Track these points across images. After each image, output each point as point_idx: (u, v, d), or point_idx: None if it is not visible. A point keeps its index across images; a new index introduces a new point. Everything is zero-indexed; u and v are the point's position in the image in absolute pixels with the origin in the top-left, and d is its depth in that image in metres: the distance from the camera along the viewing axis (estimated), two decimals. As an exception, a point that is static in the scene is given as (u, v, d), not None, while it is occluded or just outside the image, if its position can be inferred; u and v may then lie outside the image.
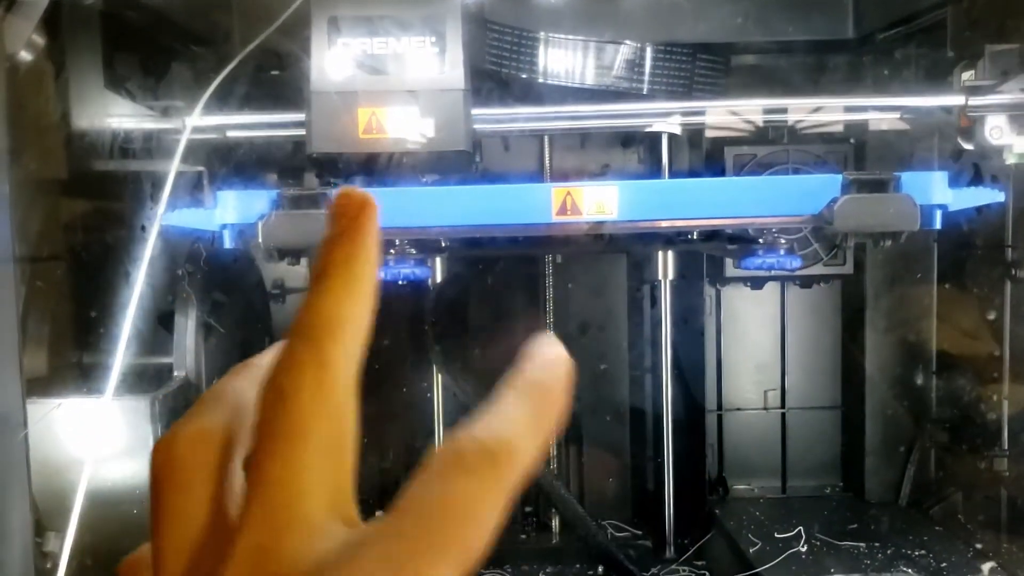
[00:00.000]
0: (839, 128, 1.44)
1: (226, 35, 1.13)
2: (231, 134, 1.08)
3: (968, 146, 1.06)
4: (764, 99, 1.12)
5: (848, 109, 1.12)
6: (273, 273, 1.47)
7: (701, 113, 1.18)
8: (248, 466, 0.27)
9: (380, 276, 1.03)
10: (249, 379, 0.31)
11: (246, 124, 1.06)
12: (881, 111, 1.07)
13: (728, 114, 1.23)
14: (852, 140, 1.39)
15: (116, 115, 1.05)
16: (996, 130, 1.02)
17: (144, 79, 1.14)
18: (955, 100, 1.04)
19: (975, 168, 1.14)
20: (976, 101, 1.03)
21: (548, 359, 0.31)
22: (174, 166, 0.97)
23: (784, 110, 1.26)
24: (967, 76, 1.07)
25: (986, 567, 1.22)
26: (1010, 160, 1.03)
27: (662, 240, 1.27)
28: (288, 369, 0.27)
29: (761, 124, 1.31)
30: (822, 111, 1.12)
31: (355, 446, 0.27)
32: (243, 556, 0.25)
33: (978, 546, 1.32)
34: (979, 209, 1.11)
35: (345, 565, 0.24)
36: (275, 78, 1.12)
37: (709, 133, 1.44)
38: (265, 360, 0.31)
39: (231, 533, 0.26)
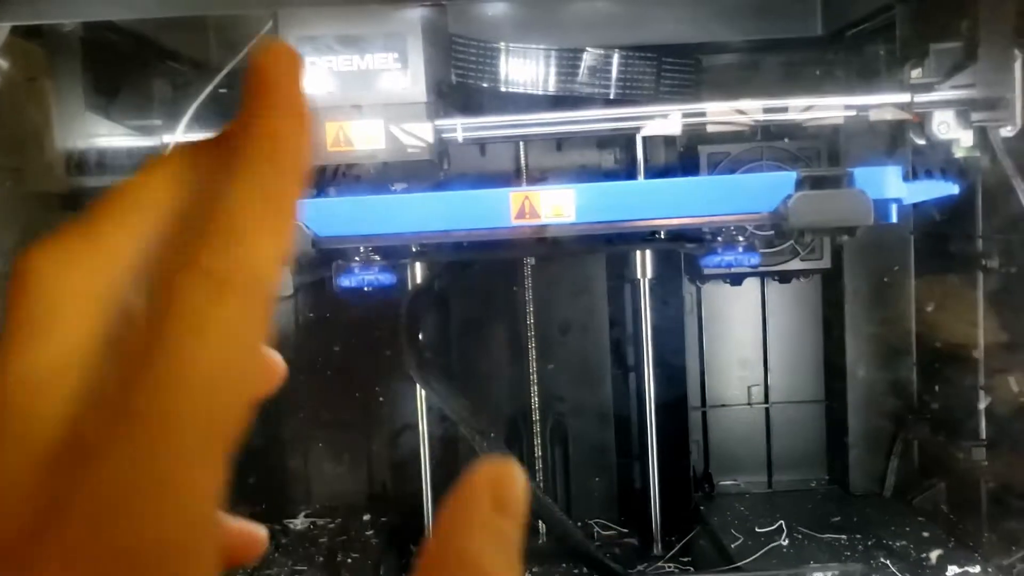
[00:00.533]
0: (813, 123, 1.45)
1: (202, 55, 1.16)
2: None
3: (919, 141, 1.09)
4: (730, 101, 1.13)
5: (807, 107, 1.13)
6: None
7: (671, 115, 1.19)
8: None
9: (346, 280, 1.06)
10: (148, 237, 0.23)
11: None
12: (835, 110, 1.08)
13: (696, 116, 1.24)
14: (821, 136, 1.39)
15: (97, 135, 1.08)
16: (943, 125, 1.05)
17: (124, 100, 1.17)
18: (902, 98, 1.07)
19: (913, 168, 1.15)
20: (922, 98, 1.06)
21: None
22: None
23: (755, 110, 1.27)
24: (915, 74, 1.09)
25: (933, 554, 1.23)
26: (959, 154, 1.06)
27: (625, 240, 1.28)
28: (189, 271, 0.21)
29: (733, 124, 1.32)
30: (790, 110, 1.14)
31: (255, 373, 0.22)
32: (83, 517, 0.19)
33: (953, 535, 1.33)
34: (945, 201, 1.13)
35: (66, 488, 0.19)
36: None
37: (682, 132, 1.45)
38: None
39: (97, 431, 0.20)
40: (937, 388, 1.44)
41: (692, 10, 1.38)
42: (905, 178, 0.98)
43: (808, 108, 1.05)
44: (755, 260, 1.04)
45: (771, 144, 1.42)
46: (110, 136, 1.06)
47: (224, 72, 1.00)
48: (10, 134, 1.01)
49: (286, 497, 1.56)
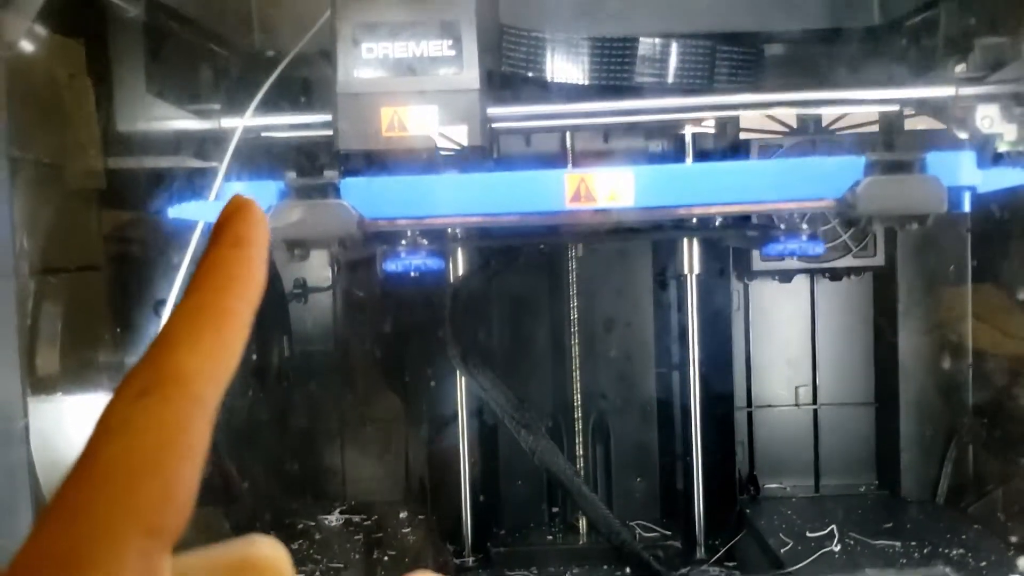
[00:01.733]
0: (871, 116, 1.40)
1: (261, 43, 1.16)
2: (265, 134, 1.10)
3: (963, 134, 1.07)
4: (779, 93, 1.10)
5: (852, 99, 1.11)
6: (294, 272, 1.47)
7: (722, 107, 1.16)
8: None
9: (383, 272, 1.02)
10: None
11: (280, 125, 1.08)
12: (879, 102, 1.06)
13: (749, 108, 1.21)
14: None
15: (157, 118, 1.07)
16: (987, 119, 1.03)
17: (183, 83, 1.16)
18: (947, 91, 1.05)
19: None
20: (966, 92, 1.05)
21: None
22: (223, 167, 0.98)
23: (805, 102, 1.24)
24: (960, 68, 1.08)
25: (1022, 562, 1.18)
26: (1002, 147, 1.04)
27: (681, 228, 1.24)
28: (125, 387, 0.23)
29: (786, 116, 1.28)
30: (831, 101, 1.12)
31: (194, 486, 0.23)
32: None
33: (1013, 540, 1.27)
34: (1006, 197, 1.08)
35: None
36: (302, 80, 1.14)
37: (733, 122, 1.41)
38: None
39: None
40: (994, 392, 1.39)
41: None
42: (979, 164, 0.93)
43: (850, 100, 1.02)
44: (819, 249, 1.00)
45: (824, 137, 1.37)
46: (170, 119, 1.05)
47: (287, 59, 1.02)
48: (50, 131, 0.99)
49: (322, 493, 1.53)
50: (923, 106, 1.12)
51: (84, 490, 0.21)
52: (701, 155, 1.41)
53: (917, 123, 1.24)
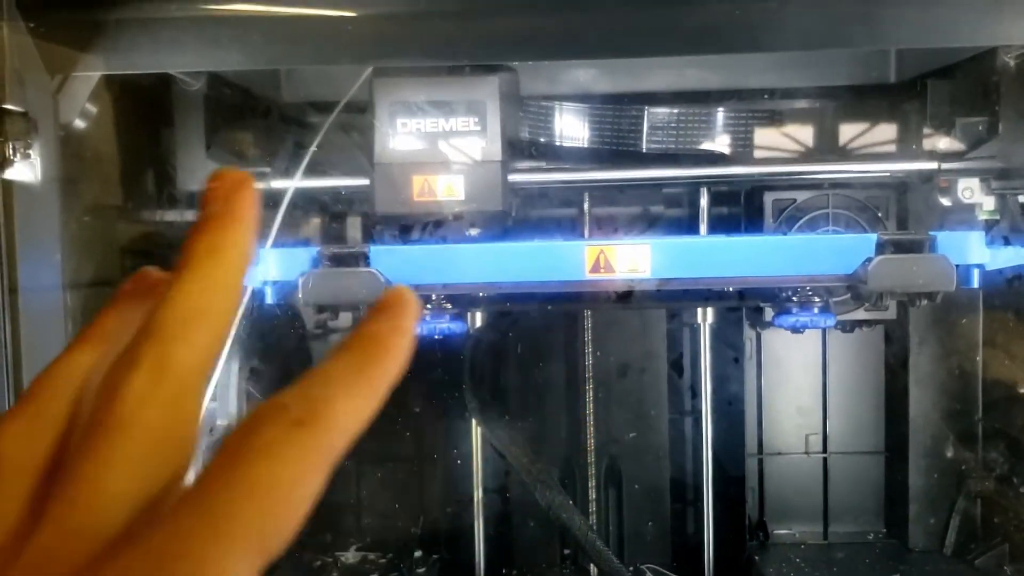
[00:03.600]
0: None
1: (306, 113, 1.25)
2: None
3: (946, 203, 1.19)
4: (775, 166, 1.18)
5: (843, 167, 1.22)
6: (317, 313, 1.50)
7: (724, 177, 1.25)
8: (64, 462, 0.25)
9: (418, 325, 1.06)
10: (99, 354, 0.29)
11: (320, 188, 1.15)
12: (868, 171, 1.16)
13: (755, 169, 1.28)
14: (890, 185, 1.37)
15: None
16: (967, 191, 1.15)
17: (239, 149, 1.22)
18: (930, 165, 1.18)
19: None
20: (948, 166, 1.17)
21: (387, 311, 0.29)
22: (275, 226, 1.04)
23: (800, 173, 1.32)
24: (943, 143, 1.22)
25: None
26: (981, 216, 1.15)
27: (696, 297, 1.28)
28: (125, 364, 0.25)
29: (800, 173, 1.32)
30: (842, 163, 1.23)
31: (193, 445, 0.25)
32: (28, 558, 0.23)
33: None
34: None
35: (108, 564, 0.22)
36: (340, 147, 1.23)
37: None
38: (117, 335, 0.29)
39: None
40: (1003, 444, 1.41)
41: (760, 55, 1.38)
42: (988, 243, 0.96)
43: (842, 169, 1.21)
44: (831, 322, 1.03)
45: (838, 192, 1.40)
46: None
47: (326, 126, 1.09)
48: (98, 170, 1.04)
49: (338, 530, 1.56)
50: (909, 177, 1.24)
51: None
52: (715, 198, 1.45)
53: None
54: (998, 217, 1.18)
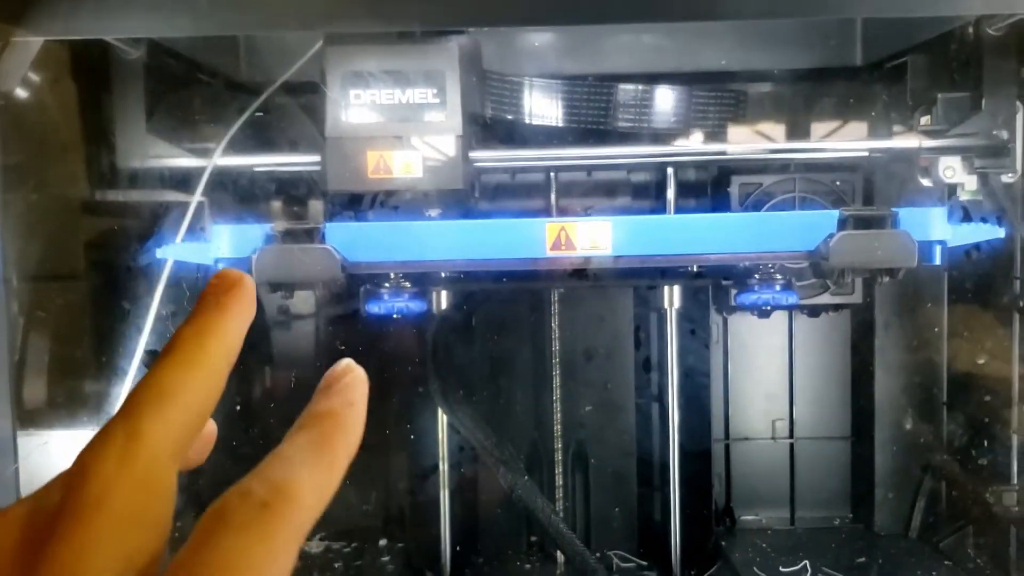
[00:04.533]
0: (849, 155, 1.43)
1: (256, 79, 1.19)
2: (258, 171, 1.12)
3: (927, 183, 1.14)
4: (755, 133, 1.14)
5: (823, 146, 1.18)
6: (278, 300, 1.48)
7: (697, 154, 1.21)
8: (40, 547, 0.25)
9: (375, 307, 1.04)
10: None
11: (266, 164, 1.11)
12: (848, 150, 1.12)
13: (721, 157, 1.26)
14: (857, 168, 1.37)
15: (155, 155, 1.09)
16: (949, 170, 1.11)
17: (181, 122, 1.18)
18: (911, 143, 1.13)
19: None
20: (929, 144, 1.12)
21: (337, 386, 0.30)
22: (194, 201, 1.00)
23: (776, 150, 1.29)
24: (924, 120, 1.16)
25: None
26: (963, 196, 1.12)
27: (657, 275, 1.27)
28: (96, 442, 0.25)
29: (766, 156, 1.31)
30: (820, 143, 1.18)
31: (167, 523, 0.26)
32: None
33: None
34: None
35: None
36: (293, 119, 1.18)
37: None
38: None
39: None
40: (967, 429, 1.41)
41: (729, 38, 1.37)
42: (950, 219, 0.96)
43: (822, 147, 1.07)
44: (792, 299, 1.02)
45: (804, 176, 1.39)
46: (166, 156, 1.07)
47: (263, 97, 1.04)
48: (38, 141, 1.01)
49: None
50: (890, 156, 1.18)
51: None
52: (682, 186, 1.44)
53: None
54: (980, 197, 1.15)
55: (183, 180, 1.03)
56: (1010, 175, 1.12)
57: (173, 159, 1.06)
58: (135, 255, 1.01)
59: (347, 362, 0.32)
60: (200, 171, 1.03)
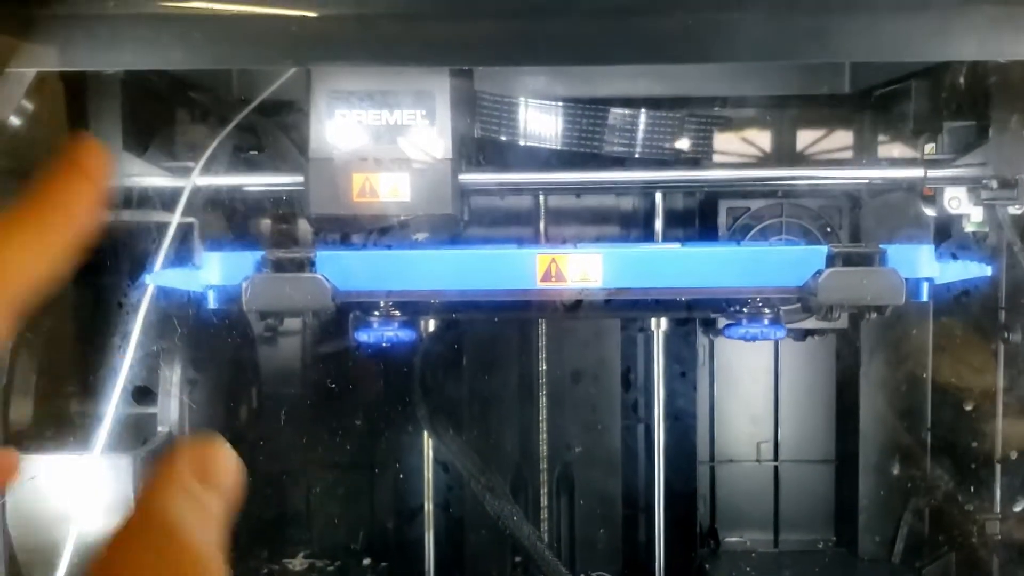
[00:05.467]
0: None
1: (235, 101, 1.17)
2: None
3: (931, 213, 1.12)
4: (746, 160, 1.14)
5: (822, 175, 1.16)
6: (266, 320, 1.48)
7: (692, 181, 1.21)
8: None
9: (364, 335, 1.04)
10: None
11: (249, 184, 1.09)
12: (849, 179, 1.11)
13: (718, 183, 1.26)
14: (844, 195, 1.38)
15: (130, 175, 1.07)
16: (955, 200, 1.08)
17: (159, 141, 1.16)
18: (916, 172, 1.09)
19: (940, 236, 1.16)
20: (935, 174, 1.08)
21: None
22: (174, 222, 0.98)
23: (774, 178, 1.28)
24: (929, 148, 1.13)
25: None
26: (968, 228, 1.08)
27: (647, 307, 1.27)
28: None
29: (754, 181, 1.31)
30: (801, 176, 1.17)
31: None
32: None
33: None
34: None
35: None
36: (277, 143, 1.16)
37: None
38: None
39: None
40: (951, 456, 1.42)
41: (719, 65, 1.37)
42: (938, 256, 0.97)
43: (821, 176, 1.06)
44: (780, 334, 1.03)
45: (792, 201, 1.40)
46: (144, 176, 1.05)
47: (243, 114, 1.01)
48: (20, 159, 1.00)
49: (286, 537, 1.53)
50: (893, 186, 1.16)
51: None
52: (671, 211, 1.45)
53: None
54: (987, 229, 1.11)
55: (167, 202, 1.01)
56: (1017, 207, 1.08)
57: (151, 179, 1.04)
58: (118, 280, 1.00)
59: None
60: (193, 193, 1.02)
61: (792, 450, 1.58)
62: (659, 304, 1.25)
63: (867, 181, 1.14)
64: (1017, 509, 1.21)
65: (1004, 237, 1.13)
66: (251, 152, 1.05)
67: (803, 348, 1.56)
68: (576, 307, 1.12)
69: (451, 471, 1.42)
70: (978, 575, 1.34)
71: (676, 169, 1.16)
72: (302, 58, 0.84)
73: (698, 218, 1.49)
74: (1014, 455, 1.27)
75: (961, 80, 1.16)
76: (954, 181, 1.09)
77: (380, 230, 1.05)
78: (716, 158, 1.36)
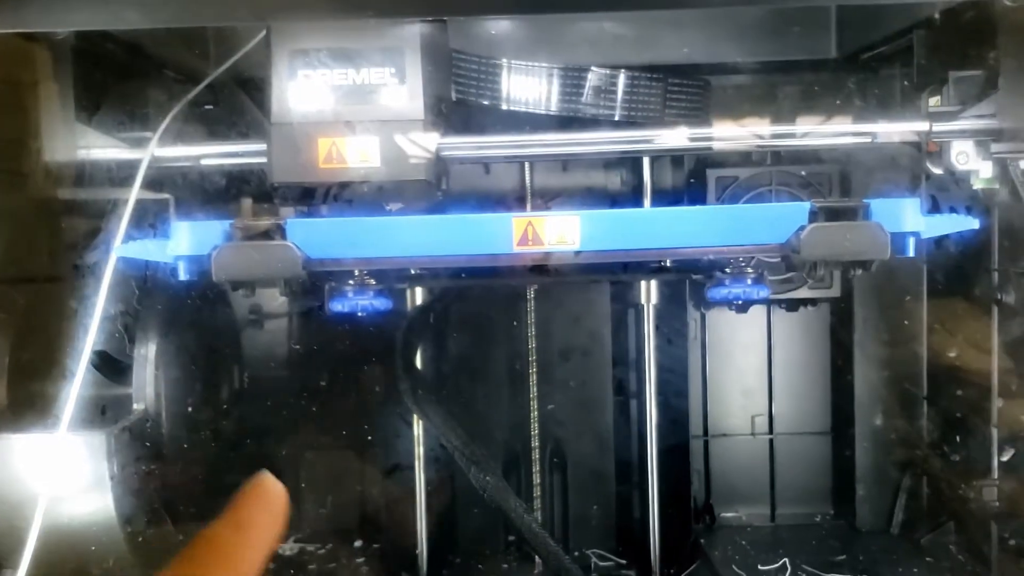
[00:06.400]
0: (825, 148, 1.41)
1: (197, 68, 1.13)
2: (205, 163, 1.07)
3: (936, 171, 1.05)
4: (734, 126, 1.10)
5: (822, 132, 1.09)
6: (249, 299, 1.46)
7: (679, 136, 1.15)
8: None
9: (339, 305, 1.01)
10: None
11: (209, 154, 1.05)
12: (850, 136, 1.04)
13: (705, 139, 1.21)
14: (833, 161, 1.35)
15: (86, 147, 1.04)
16: (962, 155, 1.02)
17: (114, 110, 1.13)
18: (920, 126, 1.03)
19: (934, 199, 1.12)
20: (940, 127, 1.02)
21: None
22: (132, 196, 0.96)
23: (767, 134, 1.23)
24: (933, 101, 1.05)
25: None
26: (977, 185, 1.03)
27: (630, 270, 1.24)
28: None
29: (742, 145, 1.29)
30: (801, 134, 1.10)
31: None
32: None
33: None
34: (962, 232, 1.08)
35: None
36: (243, 107, 1.12)
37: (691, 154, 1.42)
38: None
39: None
40: (948, 424, 1.40)
41: (702, 31, 1.35)
42: (925, 210, 0.94)
43: (820, 133, 1.01)
44: (764, 293, 1.01)
45: (781, 168, 1.38)
46: (98, 147, 1.02)
47: (204, 84, 0.97)
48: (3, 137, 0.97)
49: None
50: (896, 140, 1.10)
51: None
52: (659, 180, 1.42)
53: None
54: (996, 185, 1.04)
55: (128, 175, 0.97)
56: None
57: (108, 151, 1.00)
58: (83, 253, 0.98)
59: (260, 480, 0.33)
60: (162, 166, 0.99)
61: (787, 423, 1.56)
62: (641, 266, 1.23)
63: (870, 138, 1.06)
64: (1004, 459, 1.18)
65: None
66: (206, 107, 1.01)
67: (796, 319, 1.54)
68: (556, 270, 1.09)
69: (443, 450, 1.40)
70: (977, 543, 1.31)
71: (668, 127, 1.10)
72: (260, 13, 0.81)
73: (686, 190, 1.47)
74: (1010, 420, 1.25)
75: (966, 25, 1.09)
76: (961, 134, 1.03)
77: (346, 199, 1.01)
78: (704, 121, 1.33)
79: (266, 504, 0.33)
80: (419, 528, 1.40)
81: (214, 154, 1.03)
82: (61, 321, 0.95)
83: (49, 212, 1.01)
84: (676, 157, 1.45)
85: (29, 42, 0.94)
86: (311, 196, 0.98)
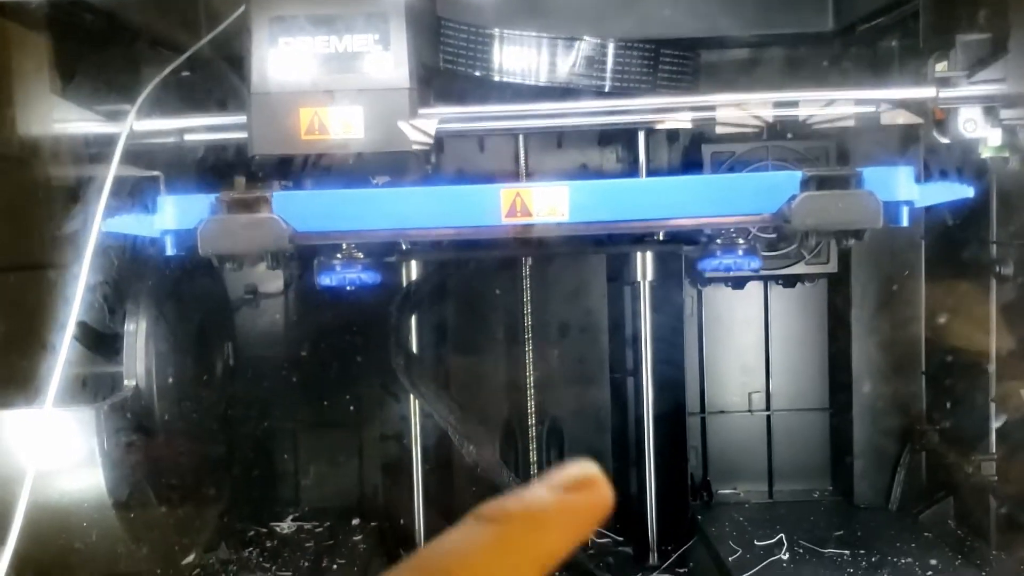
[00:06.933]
0: (822, 124, 1.40)
1: (175, 38, 1.11)
2: (188, 137, 1.05)
3: (944, 140, 1.01)
4: (734, 94, 1.08)
5: (823, 103, 1.07)
6: (246, 278, 1.45)
7: (672, 110, 1.13)
8: None
9: (327, 278, 1.01)
10: None
11: (190, 127, 1.03)
12: (854, 105, 1.02)
13: (706, 109, 1.19)
14: (829, 135, 1.34)
15: (63, 120, 1.02)
16: (970, 123, 0.98)
17: (91, 83, 1.11)
18: (927, 92, 0.99)
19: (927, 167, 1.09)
20: (947, 93, 0.98)
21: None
22: (111, 169, 0.94)
23: (768, 105, 1.21)
24: (940, 67, 1.01)
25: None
26: (985, 153, 0.99)
27: (619, 241, 1.23)
28: None
29: (742, 123, 1.27)
30: (804, 105, 1.06)
31: None
32: None
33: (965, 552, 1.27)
34: (958, 205, 1.07)
35: None
36: (224, 79, 1.10)
37: (687, 129, 1.41)
38: None
39: None
40: (946, 399, 1.39)
41: (698, 3, 1.33)
42: (918, 179, 0.93)
43: (824, 103, 0.98)
44: (756, 264, 0.99)
45: (777, 143, 1.37)
46: (75, 120, 1.00)
47: (186, 55, 0.95)
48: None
49: (274, 499, 1.51)
50: (902, 107, 1.06)
51: None
52: (655, 163, 1.41)
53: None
54: (1006, 153, 1.00)
55: (106, 148, 0.95)
56: None
57: (83, 122, 0.98)
58: (62, 227, 0.97)
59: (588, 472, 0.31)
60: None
61: (785, 399, 1.55)
62: (633, 237, 1.22)
63: (875, 106, 1.02)
64: (998, 425, 1.17)
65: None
66: (184, 73, 0.99)
67: (793, 295, 1.53)
68: (544, 243, 1.08)
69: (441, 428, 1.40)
70: (976, 518, 1.31)
71: (663, 96, 1.08)
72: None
73: (682, 166, 1.46)
74: (1009, 393, 1.24)
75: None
76: (969, 100, 0.99)
77: (327, 169, 0.99)
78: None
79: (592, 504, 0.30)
80: (416, 507, 1.40)
81: (194, 127, 1.01)
82: (41, 295, 0.94)
83: (29, 186, 1.00)
84: (671, 133, 1.44)
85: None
86: (290, 166, 0.96)
